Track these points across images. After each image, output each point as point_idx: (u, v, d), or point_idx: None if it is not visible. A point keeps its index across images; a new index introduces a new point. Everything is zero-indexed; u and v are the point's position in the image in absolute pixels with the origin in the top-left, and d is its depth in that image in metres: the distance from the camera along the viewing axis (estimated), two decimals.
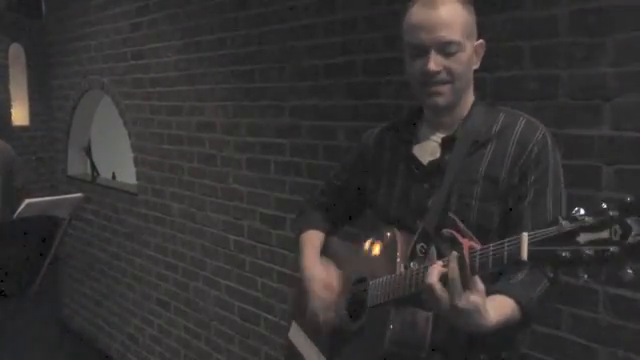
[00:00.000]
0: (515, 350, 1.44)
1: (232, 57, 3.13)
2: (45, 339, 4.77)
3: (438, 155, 1.41)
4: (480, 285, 1.15)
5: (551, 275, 1.28)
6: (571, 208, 1.02)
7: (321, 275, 1.56)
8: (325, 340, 1.57)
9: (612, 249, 0.94)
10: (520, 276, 1.27)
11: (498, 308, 1.22)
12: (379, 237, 1.47)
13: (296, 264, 1.69)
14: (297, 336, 1.67)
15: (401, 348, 1.30)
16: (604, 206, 0.96)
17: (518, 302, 1.25)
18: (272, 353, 3.02)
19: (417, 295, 1.24)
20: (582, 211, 0.98)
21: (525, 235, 1.04)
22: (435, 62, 1.33)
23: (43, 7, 5.26)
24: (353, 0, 2.46)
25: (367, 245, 1.52)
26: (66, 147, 5.00)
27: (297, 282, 1.69)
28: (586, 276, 0.98)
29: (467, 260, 1.13)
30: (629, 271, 0.94)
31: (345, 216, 1.71)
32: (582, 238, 0.97)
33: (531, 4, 1.86)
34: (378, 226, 1.49)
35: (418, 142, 1.46)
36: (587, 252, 0.96)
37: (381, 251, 1.45)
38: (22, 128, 5.56)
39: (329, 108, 2.61)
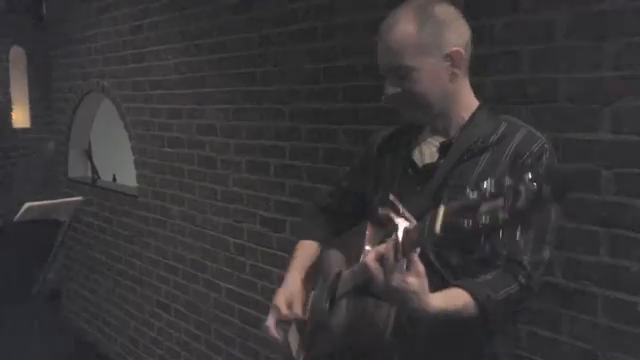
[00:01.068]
0: (498, 356, 1.42)
1: (232, 60, 3.14)
2: (44, 341, 4.77)
3: (435, 159, 1.42)
4: (419, 267, 1.17)
5: (523, 280, 1.28)
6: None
7: (288, 292, 1.60)
8: (308, 334, 1.60)
9: (501, 215, 1.00)
10: (488, 277, 1.29)
11: (448, 298, 1.24)
12: (354, 232, 1.51)
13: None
14: (293, 339, 1.70)
15: (358, 338, 1.32)
16: (506, 177, 1.01)
17: (475, 298, 1.25)
18: (272, 356, 3.02)
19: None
20: (487, 182, 1.03)
21: (442, 208, 1.08)
22: (388, 87, 1.37)
23: (44, 9, 5.27)
24: (354, 4, 2.47)
25: (347, 241, 1.57)
26: (67, 150, 5.00)
27: None
28: (487, 246, 1.06)
29: (400, 239, 1.16)
30: (518, 237, 1.01)
31: (350, 218, 1.70)
32: (483, 207, 1.01)
33: (530, 8, 1.86)
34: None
35: (419, 147, 1.47)
36: (483, 221, 1.01)
37: (353, 245, 1.47)
38: (23, 130, 5.57)
39: (329, 111, 2.61)
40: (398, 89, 1.36)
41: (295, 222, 2.81)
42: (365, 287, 1.30)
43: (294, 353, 1.65)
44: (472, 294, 1.25)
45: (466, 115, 1.41)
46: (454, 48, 1.34)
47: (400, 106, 1.40)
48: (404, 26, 1.33)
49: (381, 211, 1.27)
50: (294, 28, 2.76)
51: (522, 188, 0.98)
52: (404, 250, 1.16)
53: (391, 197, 1.30)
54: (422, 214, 1.29)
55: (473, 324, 1.27)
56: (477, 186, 1.03)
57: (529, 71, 1.87)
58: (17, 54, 5.53)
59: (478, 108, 1.42)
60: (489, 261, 1.29)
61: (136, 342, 4.21)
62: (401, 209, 1.23)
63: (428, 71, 1.34)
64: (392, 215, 1.22)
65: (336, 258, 1.62)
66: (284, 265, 2.88)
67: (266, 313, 2.99)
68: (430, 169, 1.40)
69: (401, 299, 1.20)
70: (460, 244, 1.26)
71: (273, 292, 2.92)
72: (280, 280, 2.89)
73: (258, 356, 3.11)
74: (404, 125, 1.56)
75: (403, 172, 1.46)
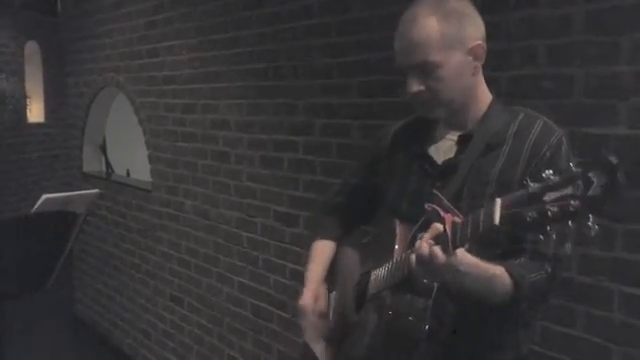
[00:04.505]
0: (519, 349, 1.43)
1: (246, 55, 3.15)
2: (58, 334, 4.82)
3: (453, 154, 1.41)
4: (465, 259, 1.17)
5: (549, 269, 1.29)
6: None
7: (314, 290, 1.59)
8: (333, 334, 1.59)
9: (574, 203, 0.97)
10: (517, 261, 1.29)
11: (485, 264, 1.22)
12: (380, 230, 1.49)
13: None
14: (310, 337, 1.68)
15: (397, 336, 1.32)
16: (570, 165, 0.99)
17: (509, 272, 1.25)
18: (284, 350, 3.03)
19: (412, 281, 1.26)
20: (549, 171, 1.01)
21: (498, 200, 1.07)
22: (413, 84, 1.35)
23: (58, 5, 5.31)
24: None
25: (371, 240, 1.56)
26: (81, 144, 5.04)
27: None
28: (554, 235, 1.01)
29: (449, 233, 1.15)
30: (591, 224, 0.96)
31: (361, 215, 1.70)
32: (548, 197, 1.00)
33: (546, 3, 1.85)
34: (384, 221, 1.51)
35: (434, 141, 1.46)
36: (552, 209, 0.99)
37: (382, 243, 1.46)
38: (38, 125, 5.62)
39: (343, 106, 2.62)
40: (422, 87, 1.34)
41: (308, 217, 2.82)
42: (402, 285, 1.30)
43: (318, 354, 1.64)
44: (507, 269, 1.25)
45: (483, 108, 1.41)
46: (476, 42, 1.34)
47: (422, 103, 1.39)
48: (427, 21, 1.31)
49: (427, 207, 1.24)
50: (308, 23, 2.76)
51: (593, 175, 0.95)
52: (454, 245, 1.15)
53: (434, 191, 1.29)
54: (447, 210, 1.30)
55: (504, 303, 1.27)
56: (534, 176, 1.01)
57: (545, 66, 1.86)
58: (32, 49, 5.58)
59: (493, 101, 1.42)
60: (514, 255, 1.29)
61: (149, 335, 4.25)
62: (447, 203, 1.22)
63: (453, 66, 1.33)
64: (439, 209, 1.20)
65: (354, 258, 1.61)
66: (297, 259, 2.92)
67: (278, 307, 3.04)
68: (450, 165, 1.39)
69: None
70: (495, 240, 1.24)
71: (285, 286, 2.98)
72: (292, 274, 2.93)
73: (270, 349, 3.13)
74: (415, 118, 1.55)
75: (420, 168, 1.45)
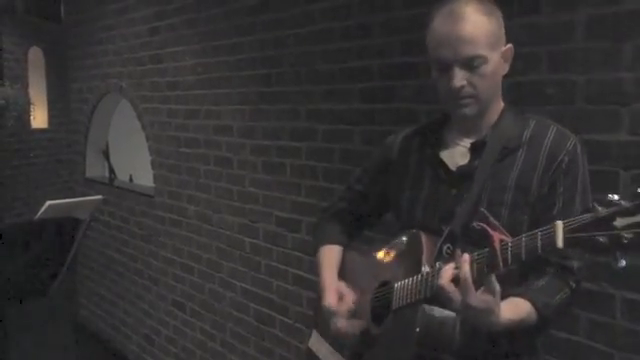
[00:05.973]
0: (536, 356, 1.44)
1: (249, 61, 3.16)
2: (61, 339, 4.82)
3: (467, 160, 1.40)
4: (495, 285, 1.17)
5: (573, 286, 1.30)
6: None
7: (336, 290, 1.55)
8: (349, 346, 1.55)
9: None
10: (541, 282, 1.29)
11: (513, 309, 1.24)
12: (401, 240, 1.46)
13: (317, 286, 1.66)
14: (319, 345, 1.65)
15: (427, 350, 1.30)
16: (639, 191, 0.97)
17: (534, 305, 1.26)
18: (287, 355, 3.03)
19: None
20: (616, 197, 0.99)
21: (560, 223, 1.04)
22: (459, 78, 1.32)
23: (62, 11, 5.33)
24: (369, 5, 2.48)
25: (389, 249, 1.51)
26: (84, 150, 5.06)
27: (318, 292, 1.65)
28: (624, 261, 0.98)
29: (498, 252, 1.13)
30: None
31: (366, 221, 1.69)
32: (619, 222, 0.97)
33: (548, 9, 1.86)
34: (400, 230, 1.48)
35: (446, 147, 1.45)
36: (626, 235, 0.96)
37: (405, 253, 1.43)
38: (41, 131, 5.63)
39: (345, 112, 2.62)
40: (464, 81, 1.33)
41: (311, 222, 2.82)
42: (432, 299, 1.28)
43: None
44: (532, 302, 1.26)
45: (495, 114, 1.41)
46: (508, 45, 1.37)
47: (461, 98, 1.35)
48: (477, 17, 1.31)
49: (476, 225, 1.23)
50: (310, 29, 2.77)
51: None
52: (504, 264, 1.14)
53: (482, 209, 1.28)
54: (469, 219, 1.31)
55: (531, 330, 1.29)
56: (603, 200, 1.00)
57: (547, 72, 1.87)
58: (35, 55, 5.59)
59: (504, 108, 1.43)
60: (538, 267, 1.30)
61: (152, 341, 4.25)
62: (494, 221, 1.21)
63: (494, 65, 1.34)
64: (486, 227, 1.18)
65: (363, 266, 1.58)
66: (299, 265, 2.92)
67: (280, 312, 3.04)
68: (465, 171, 1.38)
69: (476, 315, 1.20)
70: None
71: (288, 291, 2.98)
72: (295, 280, 2.93)
73: (273, 355, 3.12)
74: (422, 126, 1.55)
75: (434, 175, 1.45)
